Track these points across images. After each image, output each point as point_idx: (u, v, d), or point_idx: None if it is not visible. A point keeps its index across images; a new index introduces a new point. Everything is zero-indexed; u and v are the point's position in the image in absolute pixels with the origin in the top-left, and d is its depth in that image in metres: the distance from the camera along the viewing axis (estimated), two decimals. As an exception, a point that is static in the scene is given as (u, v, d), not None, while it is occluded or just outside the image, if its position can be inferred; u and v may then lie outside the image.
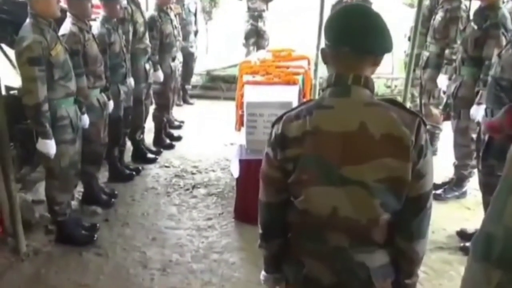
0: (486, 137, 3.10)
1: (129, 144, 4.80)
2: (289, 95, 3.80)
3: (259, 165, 3.63)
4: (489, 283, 1.05)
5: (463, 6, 4.76)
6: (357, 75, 1.38)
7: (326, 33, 1.43)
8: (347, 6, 1.48)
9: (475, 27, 3.84)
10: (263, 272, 1.73)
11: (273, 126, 1.48)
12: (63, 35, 3.35)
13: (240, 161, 3.65)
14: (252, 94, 3.82)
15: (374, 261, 1.46)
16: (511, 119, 2.21)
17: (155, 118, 5.21)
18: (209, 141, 5.42)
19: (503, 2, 4.54)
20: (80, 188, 3.92)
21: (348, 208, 1.39)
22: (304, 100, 4.36)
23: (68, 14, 3.53)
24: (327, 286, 1.48)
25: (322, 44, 4.61)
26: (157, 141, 5.27)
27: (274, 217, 1.56)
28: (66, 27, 3.47)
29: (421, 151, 1.37)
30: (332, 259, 1.46)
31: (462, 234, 3.54)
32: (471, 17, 4.23)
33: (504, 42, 3.59)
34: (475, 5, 4.27)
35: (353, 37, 1.36)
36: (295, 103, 3.69)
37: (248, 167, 3.63)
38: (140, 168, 4.69)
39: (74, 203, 3.77)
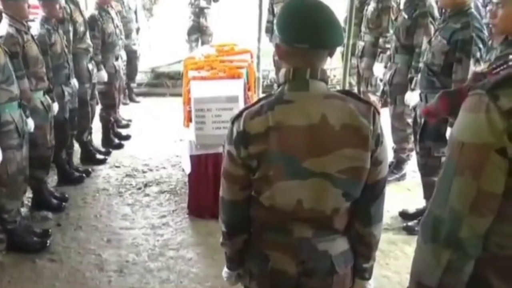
0: (422, 121, 3.21)
1: (77, 146, 4.63)
2: (235, 89, 3.76)
3: (209, 160, 3.66)
4: (439, 262, 1.08)
5: (394, -5, 4.89)
6: (313, 69, 1.37)
7: (281, 30, 1.39)
8: (298, 1, 1.43)
9: (406, 16, 3.95)
10: (225, 269, 1.69)
11: (232, 123, 1.43)
12: (0, 37, 3.18)
13: (191, 156, 3.60)
14: (199, 89, 3.76)
15: (336, 249, 1.49)
16: (445, 104, 2.28)
17: (102, 118, 5.04)
18: (158, 138, 5.31)
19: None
20: (29, 194, 3.74)
21: (312, 200, 1.39)
22: (249, 93, 4.37)
23: (4, 15, 3.35)
24: (292, 276, 1.47)
25: (263, 37, 4.62)
26: (106, 141, 5.11)
27: (238, 215, 1.52)
28: (3, 29, 3.28)
29: (378, 139, 1.39)
30: (297, 250, 1.46)
31: (404, 215, 3.65)
32: (402, 7, 4.36)
33: (432, 30, 3.72)
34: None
35: (312, 35, 1.34)
36: (241, 97, 3.68)
37: (199, 162, 3.59)
38: (90, 169, 4.53)
39: (23, 210, 3.60)
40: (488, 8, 4.63)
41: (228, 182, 1.48)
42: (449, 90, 2.34)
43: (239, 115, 1.42)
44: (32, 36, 3.48)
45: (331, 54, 1.42)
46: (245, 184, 1.45)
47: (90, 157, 4.74)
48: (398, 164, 4.24)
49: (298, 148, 1.35)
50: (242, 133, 1.38)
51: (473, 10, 3.17)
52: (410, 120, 3.89)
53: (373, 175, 1.42)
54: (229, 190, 1.49)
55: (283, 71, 1.42)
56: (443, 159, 3.13)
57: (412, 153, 4.08)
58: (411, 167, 4.19)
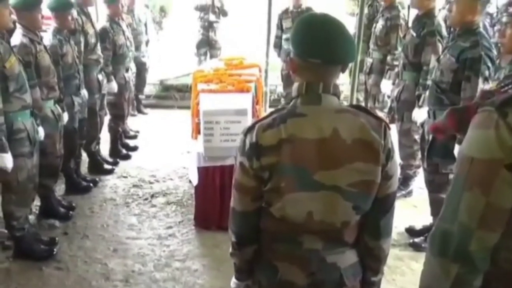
0: (430, 137, 3.23)
1: (85, 155, 4.67)
2: (244, 102, 3.81)
3: (217, 172, 3.68)
4: (448, 276, 1.09)
5: (401, 15, 4.95)
6: (326, 83, 1.39)
7: (295, 45, 1.42)
8: (312, 17, 1.46)
9: (414, 34, 3.99)
10: (234, 280, 1.69)
11: (245, 135, 1.44)
12: (14, 47, 3.23)
13: (198, 168, 3.62)
14: (208, 102, 3.80)
15: (345, 261, 1.49)
16: (453, 120, 2.30)
17: (110, 128, 5.09)
18: (166, 150, 5.33)
19: (439, 10, 4.77)
20: (37, 202, 3.75)
21: (322, 212, 1.40)
22: (257, 106, 4.41)
23: (18, 25, 3.41)
24: None
25: (271, 52, 4.68)
26: (114, 151, 5.14)
27: (249, 225, 1.53)
28: (17, 38, 3.34)
29: (389, 154, 1.41)
30: (306, 262, 1.46)
31: (411, 231, 3.64)
32: (410, 24, 4.41)
33: (440, 48, 3.76)
34: (413, 13, 4.45)
35: (325, 50, 1.36)
36: (249, 110, 3.71)
37: (206, 174, 3.61)
38: (97, 179, 4.55)
39: (31, 217, 3.61)
40: (496, 28, 4.68)
41: (239, 193, 1.49)
42: (458, 107, 2.36)
43: (252, 127, 1.44)
44: (44, 46, 3.53)
45: (343, 70, 1.44)
46: (256, 195, 1.46)
47: (97, 167, 4.77)
48: (405, 181, 4.24)
49: (309, 160, 1.37)
50: (255, 145, 1.40)
51: (481, 29, 3.21)
52: (417, 137, 3.91)
53: (383, 189, 1.43)
54: (241, 201, 1.50)
55: (296, 85, 1.44)
56: (450, 176, 3.13)
57: (419, 170, 4.08)
58: (418, 183, 4.18)
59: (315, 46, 1.37)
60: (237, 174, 1.48)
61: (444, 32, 3.97)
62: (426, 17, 3.95)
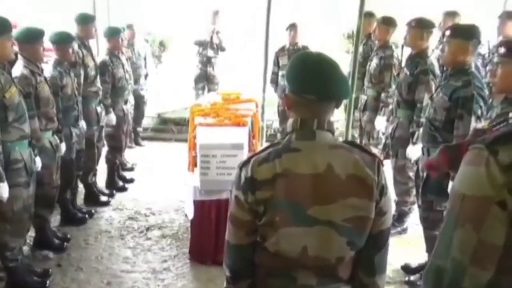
0: (424, 174, 3.25)
1: (81, 186, 4.66)
2: (240, 136, 3.84)
3: (212, 206, 3.67)
4: None
5: (395, 54, 5.05)
6: (320, 120, 1.42)
7: (290, 81, 1.45)
8: (307, 55, 1.51)
9: (408, 73, 4.05)
10: None
11: (240, 169, 1.46)
12: (15, 78, 3.28)
13: (194, 202, 3.61)
14: (205, 135, 3.83)
15: None
16: (446, 158, 2.33)
17: (107, 160, 5.10)
18: (162, 182, 5.32)
19: (432, 51, 4.88)
20: (31, 232, 3.71)
21: (317, 248, 1.40)
22: (254, 141, 4.44)
23: (19, 56, 3.46)
24: None
25: (268, 88, 4.75)
26: (110, 183, 5.13)
27: (243, 259, 1.52)
28: (18, 69, 3.39)
29: (382, 190, 1.43)
30: None
31: (407, 269, 3.60)
32: (403, 63, 4.50)
33: (433, 86, 3.83)
34: (407, 52, 4.55)
35: (319, 86, 1.40)
36: (246, 145, 3.74)
37: (202, 208, 3.60)
38: (93, 211, 4.53)
39: (25, 248, 3.57)
40: (488, 68, 4.77)
41: (234, 226, 1.49)
42: (450, 145, 2.40)
43: (247, 161, 1.45)
44: (45, 78, 3.58)
45: (337, 106, 1.47)
46: (251, 229, 1.46)
47: (93, 199, 4.75)
48: (400, 217, 4.24)
49: (304, 195, 1.38)
50: (250, 179, 1.41)
51: (473, 69, 3.28)
52: (412, 174, 3.93)
53: (378, 225, 1.44)
54: (235, 235, 1.50)
55: (290, 120, 1.47)
56: (445, 213, 3.14)
57: (414, 206, 4.09)
58: (413, 220, 4.17)
59: (309, 83, 1.41)
60: (232, 208, 1.49)
61: (437, 71, 4.04)
62: (419, 57, 4.03)
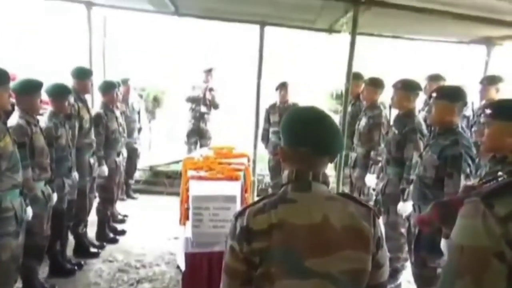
0: (416, 230, 3.24)
1: (71, 238, 4.55)
2: (233, 189, 3.83)
3: (205, 259, 3.60)
4: None
5: (383, 114, 5.16)
6: (316, 172, 1.43)
7: (285, 134, 1.47)
8: (301, 109, 1.54)
9: (396, 131, 4.12)
10: None
11: (236, 219, 1.45)
12: (10, 127, 3.28)
13: (186, 254, 3.54)
14: (197, 188, 3.81)
15: None
16: (437, 213, 2.35)
17: (98, 212, 5.03)
18: (153, 235, 5.23)
19: (418, 112, 5.01)
20: (18, 283, 3.56)
21: None
22: (246, 194, 4.43)
23: (16, 108, 3.48)
24: None
25: (259, 144, 4.83)
26: (100, 235, 5.03)
27: None
28: (14, 120, 3.40)
29: (378, 242, 1.42)
30: None
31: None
32: (392, 122, 4.59)
33: (421, 145, 3.90)
34: (395, 111, 4.64)
35: (313, 140, 1.42)
36: (238, 197, 3.73)
37: (194, 260, 3.51)
38: (82, 262, 4.41)
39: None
40: (473, 129, 4.89)
41: (228, 277, 1.46)
42: (442, 201, 2.42)
43: (243, 211, 1.45)
44: (40, 129, 3.60)
45: (331, 160, 1.49)
46: (246, 280, 1.43)
47: (83, 250, 4.64)
48: (393, 274, 4.16)
49: (300, 247, 1.36)
50: (245, 228, 1.40)
51: (460, 129, 3.35)
52: (403, 230, 3.92)
53: (375, 277, 1.43)
54: (230, 285, 1.46)
55: (286, 172, 1.48)
56: (438, 270, 3.11)
57: (406, 263, 4.04)
58: (406, 277, 4.10)
59: (303, 136, 1.43)
60: (227, 258, 1.46)
61: (425, 130, 4.13)
62: (407, 117, 4.10)
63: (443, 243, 2.83)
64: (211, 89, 7.03)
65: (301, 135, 1.43)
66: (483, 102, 4.81)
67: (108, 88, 5.01)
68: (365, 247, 1.39)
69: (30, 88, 3.50)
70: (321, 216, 1.38)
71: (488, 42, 5.78)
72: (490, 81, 4.98)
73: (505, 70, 6.00)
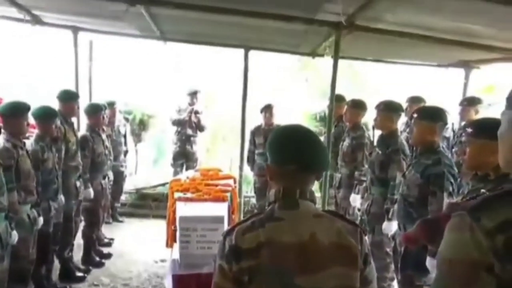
0: (402, 249, 3.24)
1: (56, 262, 4.45)
2: (220, 210, 3.81)
3: (193, 280, 3.55)
4: None
5: (367, 135, 5.20)
6: (303, 190, 1.44)
7: (272, 152, 1.48)
8: (288, 128, 1.55)
9: (379, 152, 4.15)
10: None
11: (224, 238, 1.44)
12: None
13: (173, 276, 3.48)
14: (184, 209, 3.78)
15: None
16: (423, 230, 2.35)
17: (84, 235, 4.96)
18: (140, 258, 5.15)
19: (400, 133, 5.07)
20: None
21: None
22: (233, 216, 4.40)
23: (2, 131, 3.44)
24: None
25: (245, 166, 4.84)
26: (86, 258, 4.94)
27: None
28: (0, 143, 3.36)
29: (366, 259, 1.43)
30: None
31: None
32: (375, 143, 4.64)
33: (404, 165, 3.93)
34: (378, 131, 4.69)
35: (299, 157, 1.43)
36: (226, 218, 3.70)
37: (182, 282, 3.45)
38: (68, 287, 4.31)
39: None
40: (454, 149, 4.96)
41: None
42: (428, 218, 2.43)
43: (231, 230, 1.44)
44: (27, 151, 3.56)
45: (318, 178, 1.50)
46: None
47: (69, 274, 4.54)
48: (378, 293, 4.15)
49: (289, 265, 1.36)
50: (234, 247, 1.39)
51: (441, 148, 3.40)
52: (389, 249, 3.92)
53: None
54: None
55: (273, 191, 1.48)
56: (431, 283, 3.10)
57: (393, 283, 4.03)
58: (392, 297, 4.10)
59: (290, 153, 1.44)
60: (216, 277, 1.45)
61: (407, 150, 4.17)
62: (390, 137, 4.15)
63: (428, 261, 2.85)
64: (196, 112, 7.01)
65: (288, 153, 1.45)
66: (463, 123, 4.90)
67: (94, 110, 4.98)
68: (353, 263, 1.40)
69: (17, 111, 3.47)
70: (309, 233, 1.39)
71: (466, 65, 5.92)
72: (470, 102, 5.09)
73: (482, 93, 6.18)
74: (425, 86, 7.35)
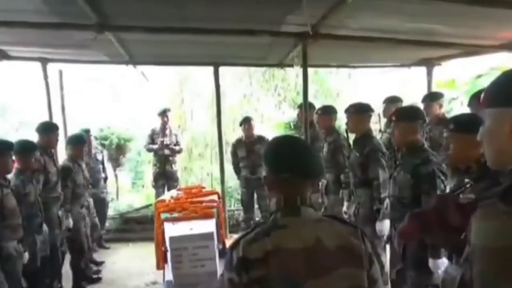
0: (401, 250, 3.06)
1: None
2: (208, 227, 3.73)
3: (188, 301, 3.42)
4: None
5: (342, 137, 5.14)
6: (302, 197, 1.44)
7: (268, 162, 1.51)
8: (282, 138, 1.61)
9: (357, 154, 4.08)
10: None
11: (231, 250, 1.42)
12: None
13: (171, 299, 3.39)
14: (173, 229, 3.68)
15: None
16: (414, 223, 2.31)
17: (71, 264, 4.77)
18: (130, 283, 4.99)
19: (380, 133, 5.08)
20: None
21: None
22: (221, 231, 4.32)
23: None
24: None
25: (226, 180, 4.75)
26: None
27: None
28: None
29: (370, 258, 1.44)
30: None
31: None
32: (352, 145, 4.58)
33: (384, 163, 3.90)
34: (352, 134, 4.66)
35: (294, 164, 1.45)
36: (215, 234, 3.62)
37: (177, 304, 3.37)
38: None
39: None
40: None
41: None
42: (416, 211, 2.38)
43: (237, 242, 1.43)
44: (11, 189, 3.45)
45: (314, 184, 1.50)
46: None
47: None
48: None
49: (298, 270, 1.36)
50: (242, 258, 1.38)
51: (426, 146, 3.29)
52: (380, 250, 3.85)
53: None
54: None
55: (274, 200, 1.48)
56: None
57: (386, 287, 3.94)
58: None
59: (286, 161, 1.46)
60: None
61: (384, 149, 4.10)
62: (364, 138, 4.10)
63: (431, 263, 2.77)
64: (170, 133, 6.85)
65: (283, 161, 1.46)
66: (428, 119, 4.92)
67: (77, 142, 4.90)
68: (359, 263, 1.41)
69: (4, 151, 3.36)
70: (313, 238, 1.39)
71: (428, 63, 6.04)
72: (432, 98, 5.11)
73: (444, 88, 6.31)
74: (389, 87, 7.45)
